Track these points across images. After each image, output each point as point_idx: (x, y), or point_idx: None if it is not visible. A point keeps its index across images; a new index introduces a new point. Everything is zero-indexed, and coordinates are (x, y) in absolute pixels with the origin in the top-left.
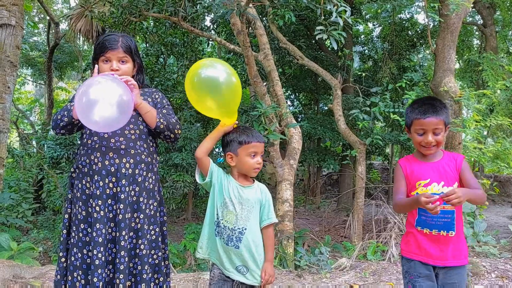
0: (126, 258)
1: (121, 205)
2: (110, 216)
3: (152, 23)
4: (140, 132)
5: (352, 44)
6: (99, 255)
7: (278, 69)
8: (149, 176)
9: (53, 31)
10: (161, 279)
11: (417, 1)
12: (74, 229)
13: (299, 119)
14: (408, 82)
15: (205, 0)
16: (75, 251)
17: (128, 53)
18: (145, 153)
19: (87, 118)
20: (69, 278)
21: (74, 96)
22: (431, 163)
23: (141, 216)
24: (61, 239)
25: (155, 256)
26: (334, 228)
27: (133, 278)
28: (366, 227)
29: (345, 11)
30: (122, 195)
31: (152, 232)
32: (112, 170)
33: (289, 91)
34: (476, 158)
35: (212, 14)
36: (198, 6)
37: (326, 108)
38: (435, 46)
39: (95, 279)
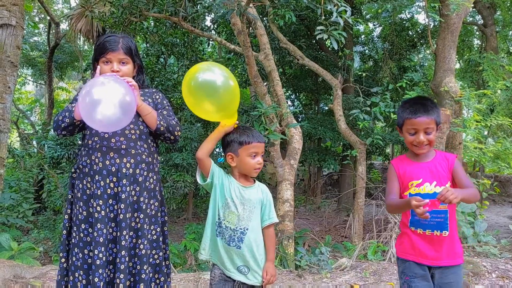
0: (127, 257)
1: (122, 205)
2: (111, 216)
3: (152, 23)
4: (141, 132)
5: (353, 44)
6: (100, 255)
7: (279, 69)
8: (150, 176)
9: (54, 31)
10: (162, 279)
11: (417, 1)
12: (75, 230)
13: (299, 119)
14: (408, 82)
15: (205, 0)
16: (76, 251)
17: (128, 55)
18: (145, 153)
19: (91, 117)
20: (71, 278)
21: (76, 97)
22: (424, 163)
23: (141, 215)
24: (62, 239)
25: (156, 256)
26: (334, 228)
27: (132, 278)
28: (367, 227)
29: (346, 11)
30: (123, 195)
31: (153, 232)
32: (113, 170)
33: (289, 91)
34: (477, 158)
35: (213, 14)
36: (198, 6)
37: (326, 108)
38: (435, 46)
39: (96, 279)
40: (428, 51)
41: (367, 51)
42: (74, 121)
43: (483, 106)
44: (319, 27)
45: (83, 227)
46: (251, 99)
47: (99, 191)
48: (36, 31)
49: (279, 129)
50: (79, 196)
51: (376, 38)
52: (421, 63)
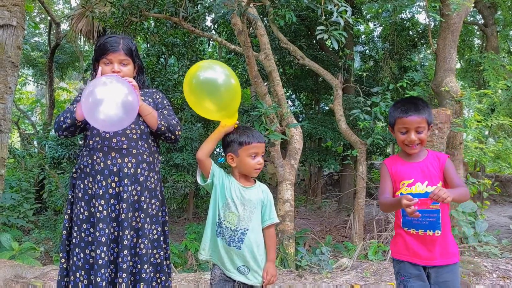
0: (129, 257)
1: (124, 204)
2: (113, 216)
3: (153, 24)
4: (141, 132)
5: (353, 44)
6: (102, 254)
7: (279, 69)
8: (151, 175)
9: (54, 31)
10: (163, 278)
11: (418, 1)
12: (76, 230)
13: (300, 119)
14: (409, 82)
15: (205, 0)
16: (77, 251)
17: (129, 55)
18: (146, 152)
19: (94, 117)
20: (72, 278)
21: (77, 98)
22: (415, 163)
23: (142, 215)
24: (62, 239)
25: (157, 256)
26: (335, 228)
27: (132, 277)
28: (367, 227)
29: (346, 11)
30: (125, 194)
31: (154, 231)
32: (115, 170)
33: (290, 91)
34: (477, 158)
35: (213, 14)
36: (199, 6)
37: (327, 108)
38: (436, 46)
39: (98, 279)
40: (428, 51)
41: (367, 51)
42: (75, 122)
43: (484, 106)
44: (319, 27)
45: (84, 227)
46: (251, 99)
47: (101, 191)
48: (37, 31)
49: (279, 129)
50: (80, 196)
51: (376, 38)
52: (422, 63)
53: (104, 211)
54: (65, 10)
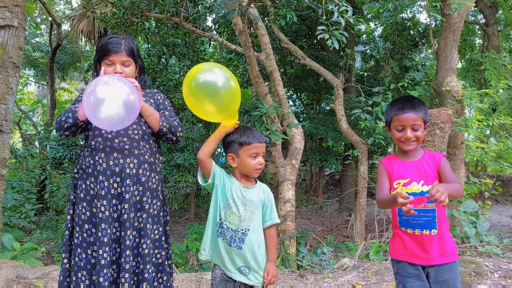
0: (131, 257)
1: (126, 205)
2: (115, 216)
3: (154, 24)
4: (143, 132)
5: (354, 44)
6: (105, 255)
7: (280, 69)
8: (152, 176)
9: (55, 32)
10: (165, 278)
11: (418, 1)
12: (78, 230)
13: (301, 119)
14: (410, 82)
15: (206, 0)
16: (79, 251)
17: (130, 56)
18: (148, 153)
19: (95, 116)
20: (73, 278)
21: (78, 98)
22: (411, 162)
23: (144, 215)
24: (64, 240)
25: (158, 256)
26: (336, 228)
27: (135, 277)
28: (369, 227)
29: (347, 11)
30: (127, 195)
31: (156, 231)
32: (117, 170)
33: (290, 91)
34: (479, 157)
35: (214, 14)
36: (199, 7)
37: (328, 108)
38: (437, 45)
39: (101, 279)
40: (429, 51)
41: (368, 51)
42: (77, 122)
43: (485, 105)
44: (320, 27)
45: (86, 227)
46: (252, 99)
47: (103, 191)
48: (38, 32)
49: (280, 129)
50: (82, 196)
51: (377, 38)
52: (423, 63)
53: (106, 212)
54: (66, 10)
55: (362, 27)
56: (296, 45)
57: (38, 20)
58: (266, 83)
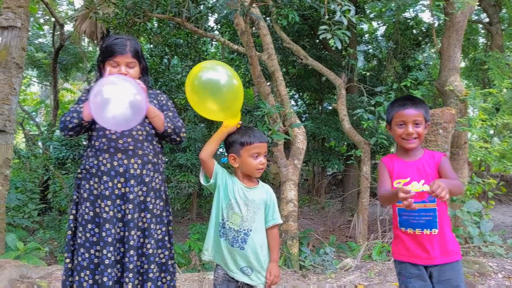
0: (135, 257)
1: (130, 205)
2: (119, 216)
3: (156, 24)
4: (147, 133)
5: (356, 43)
6: (109, 254)
7: (282, 69)
8: (155, 176)
9: (58, 32)
10: (168, 277)
11: (421, 0)
12: (81, 230)
13: (303, 119)
14: (413, 81)
15: (208, 0)
16: (82, 251)
17: (135, 58)
18: (151, 153)
19: (102, 116)
20: (76, 278)
21: (81, 98)
22: (412, 161)
23: (148, 215)
24: (66, 240)
25: (161, 256)
26: (339, 228)
27: (140, 277)
28: (371, 227)
29: (349, 10)
30: (131, 195)
31: (159, 231)
32: (121, 171)
33: (293, 91)
34: (482, 157)
35: (216, 14)
36: (201, 7)
37: (330, 107)
38: (440, 44)
39: (105, 279)
40: (432, 50)
41: (371, 50)
42: (82, 122)
43: (489, 105)
44: (322, 27)
45: (89, 227)
46: (254, 99)
47: (107, 191)
48: (41, 32)
49: (282, 129)
50: (85, 196)
51: (380, 37)
52: (426, 62)
53: (110, 212)
54: (69, 11)
55: (365, 27)
56: (298, 44)
57: (41, 20)
58: (268, 83)
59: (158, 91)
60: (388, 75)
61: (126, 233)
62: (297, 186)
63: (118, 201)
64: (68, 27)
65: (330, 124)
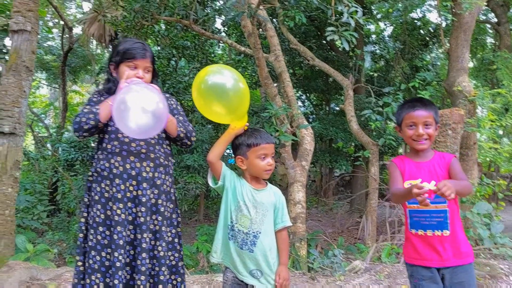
0: (147, 260)
1: (143, 208)
2: (130, 219)
3: (163, 27)
4: (158, 136)
5: (364, 44)
6: (120, 257)
7: (289, 70)
8: (166, 178)
9: (67, 35)
10: (179, 279)
11: (429, 0)
12: (92, 232)
13: (310, 120)
14: (421, 82)
15: (215, 3)
16: (93, 254)
17: (152, 63)
18: (163, 156)
19: (126, 125)
20: (87, 281)
21: (91, 99)
22: (423, 163)
23: (160, 218)
24: (78, 242)
25: (171, 258)
26: (347, 230)
27: (151, 279)
28: (380, 228)
29: (356, 11)
30: (144, 198)
31: (169, 234)
32: (133, 174)
33: (300, 92)
34: (492, 158)
35: (223, 16)
36: (209, 9)
37: (337, 108)
38: (448, 45)
39: (116, 281)
40: (440, 50)
41: (378, 51)
42: (98, 124)
43: (498, 105)
44: (329, 28)
45: (100, 230)
46: (261, 101)
47: (119, 194)
48: (50, 35)
49: (290, 130)
50: (96, 199)
51: (387, 38)
52: (434, 63)
53: (122, 214)
54: (77, 14)
55: (372, 27)
56: (305, 46)
57: (50, 24)
58: (275, 84)
59: (167, 95)
60: (395, 76)
61: (139, 236)
62: (304, 188)
63: (129, 204)
64: (77, 30)
65: (337, 125)
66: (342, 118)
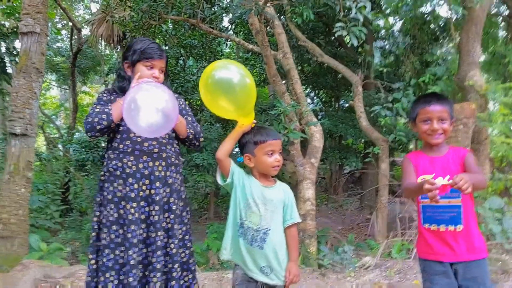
0: (161, 257)
1: (156, 206)
2: (143, 218)
3: (171, 26)
4: (169, 136)
5: (373, 39)
6: (134, 255)
7: (297, 67)
8: (177, 177)
9: (76, 37)
10: (190, 276)
11: None
12: (105, 231)
13: (319, 117)
14: (431, 77)
15: (222, 1)
16: (107, 252)
17: (166, 64)
18: (174, 155)
19: (136, 124)
20: (101, 279)
21: (101, 97)
22: (437, 157)
23: (172, 216)
24: (91, 241)
25: (183, 255)
26: (357, 226)
27: (164, 276)
28: (391, 225)
29: (365, 6)
30: (157, 197)
31: (180, 231)
32: (146, 173)
33: (308, 89)
34: (504, 153)
35: (230, 14)
36: (216, 7)
37: (347, 105)
38: (459, 39)
39: (130, 279)
40: (451, 45)
41: (387, 46)
42: (111, 124)
43: (510, 99)
44: (338, 24)
45: (114, 228)
46: (270, 98)
47: (132, 193)
48: (59, 37)
49: (299, 128)
50: (109, 198)
51: (396, 33)
52: (444, 57)
53: (136, 213)
54: (85, 15)
55: (381, 22)
56: (314, 42)
57: (59, 25)
58: (284, 82)
59: (176, 95)
60: (405, 71)
61: (153, 234)
62: (314, 185)
63: (142, 203)
64: (85, 31)
65: (347, 122)
66: (352, 114)
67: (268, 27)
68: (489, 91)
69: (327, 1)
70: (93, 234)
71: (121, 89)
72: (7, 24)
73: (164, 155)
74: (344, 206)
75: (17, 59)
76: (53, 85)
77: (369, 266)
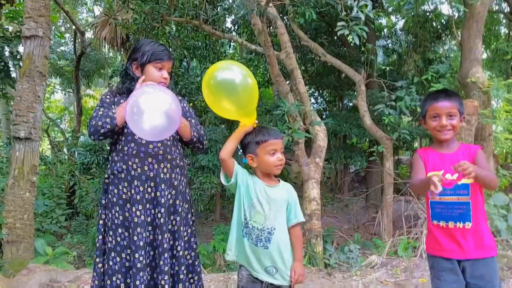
0: (168, 259)
1: (162, 209)
2: (148, 220)
3: (174, 28)
4: (173, 138)
5: (375, 38)
6: (141, 258)
7: (301, 67)
8: (182, 179)
9: (79, 40)
10: (196, 277)
11: None
12: (111, 234)
13: (323, 117)
14: (434, 75)
15: (225, 1)
16: (113, 255)
17: (172, 65)
18: (178, 157)
19: (139, 127)
20: (108, 282)
21: (104, 99)
22: (447, 154)
23: (178, 218)
24: (97, 245)
25: (188, 257)
26: (363, 225)
27: (171, 278)
28: (396, 223)
29: (366, 5)
30: (162, 199)
31: (185, 233)
32: (151, 175)
33: (312, 89)
34: (508, 149)
35: (233, 15)
36: (218, 8)
37: (350, 104)
38: (460, 36)
39: (137, 282)
40: (453, 42)
41: (390, 45)
42: (115, 127)
43: None
44: (340, 23)
45: (119, 231)
46: (273, 99)
47: (138, 196)
48: (63, 40)
49: (303, 127)
50: (114, 201)
51: (399, 31)
52: (447, 55)
53: (142, 216)
54: (89, 18)
55: (383, 21)
56: (316, 42)
57: (62, 29)
58: (287, 82)
59: (179, 98)
60: (408, 69)
61: (159, 237)
62: (319, 184)
63: (148, 205)
64: (89, 34)
65: (351, 121)
66: (356, 114)
67: (271, 27)
68: (491, 88)
69: (328, 0)
70: (99, 237)
71: (129, 91)
72: (10, 28)
73: (169, 157)
74: (349, 206)
75: (20, 63)
76: (57, 89)
77: (375, 265)
